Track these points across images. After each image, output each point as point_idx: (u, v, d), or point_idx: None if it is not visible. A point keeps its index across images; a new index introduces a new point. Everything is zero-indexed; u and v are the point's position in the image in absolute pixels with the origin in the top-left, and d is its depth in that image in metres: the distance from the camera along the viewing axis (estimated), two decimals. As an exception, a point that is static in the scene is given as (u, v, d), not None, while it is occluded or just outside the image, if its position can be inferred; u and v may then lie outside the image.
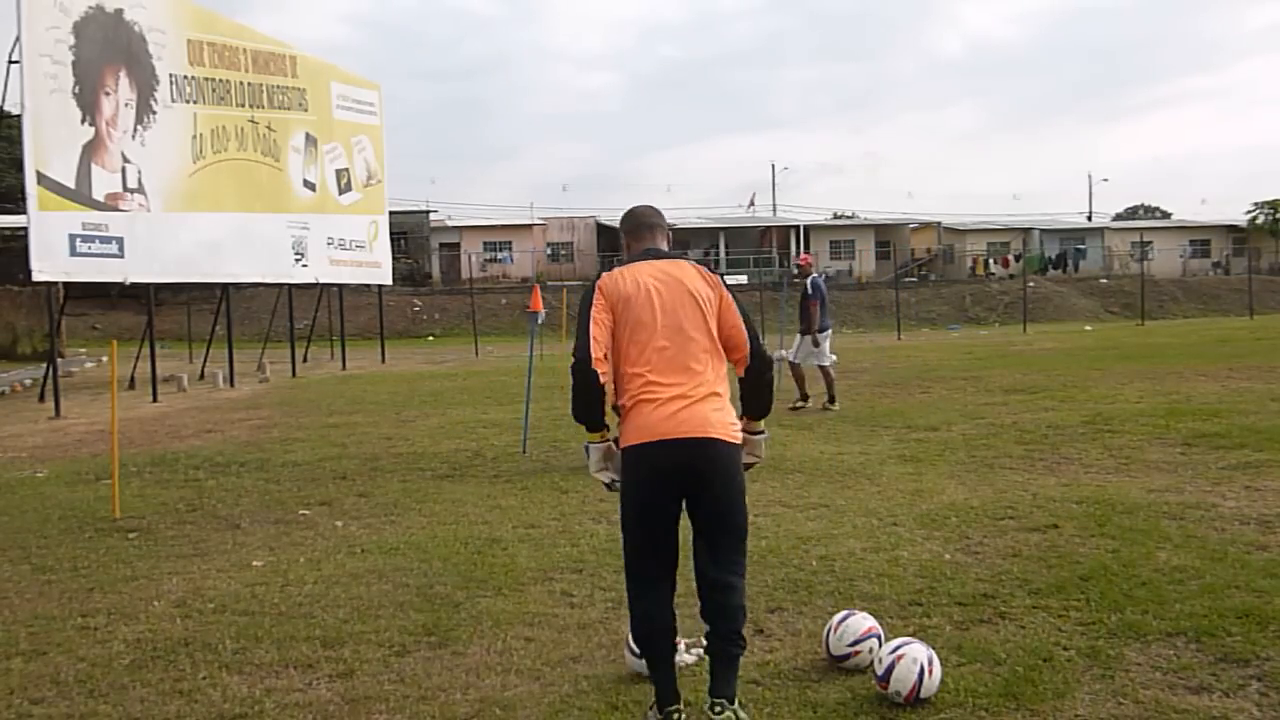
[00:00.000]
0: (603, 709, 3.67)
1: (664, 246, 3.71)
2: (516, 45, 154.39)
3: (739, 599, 3.45)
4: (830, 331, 12.87)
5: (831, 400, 12.38)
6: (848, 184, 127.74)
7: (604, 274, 3.58)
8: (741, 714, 3.40)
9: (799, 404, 12.45)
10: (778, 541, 5.87)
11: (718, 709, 3.36)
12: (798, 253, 53.51)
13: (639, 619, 3.52)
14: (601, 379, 3.39)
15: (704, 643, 3.56)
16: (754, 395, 3.63)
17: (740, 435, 3.50)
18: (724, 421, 3.44)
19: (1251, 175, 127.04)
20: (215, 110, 18.75)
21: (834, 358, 12.80)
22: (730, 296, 3.57)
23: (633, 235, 3.77)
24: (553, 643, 4.37)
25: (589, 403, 3.44)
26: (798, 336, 12.86)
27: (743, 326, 3.55)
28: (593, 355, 3.39)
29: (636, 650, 3.68)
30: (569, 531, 6.36)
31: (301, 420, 13.11)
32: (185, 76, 17.88)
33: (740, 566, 3.47)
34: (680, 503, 3.45)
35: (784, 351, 19.31)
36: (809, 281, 12.72)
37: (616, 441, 3.52)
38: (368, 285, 27.63)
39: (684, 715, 3.43)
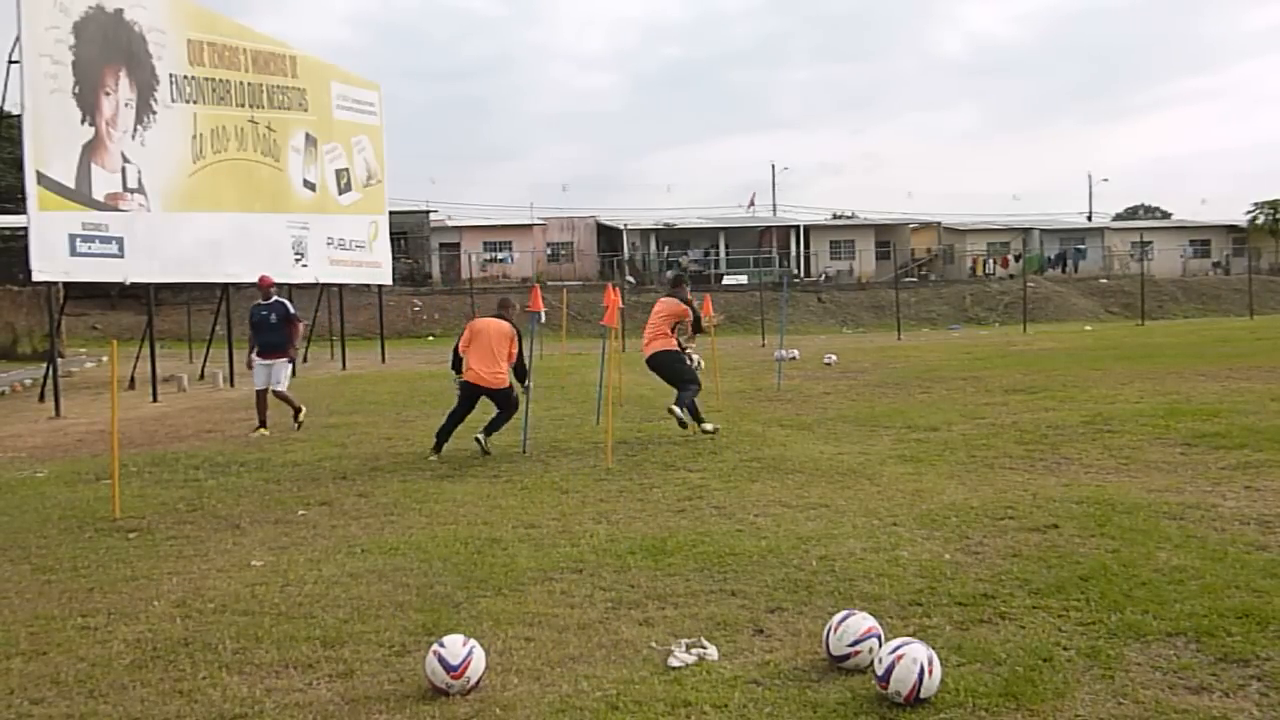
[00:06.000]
0: (603, 709, 3.67)
1: (506, 314, 9.70)
2: (517, 45, 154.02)
3: (504, 418, 9.59)
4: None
5: (296, 417, 11.96)
6: (848, 184, 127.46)
7: (472, 321, 9.79)
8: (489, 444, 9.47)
9: (261, 430, 11.69)
10: (778, 541, 5.87)
11: (479, 438, 9.38)
12: (799, 253, 53.52)
13: (447, 426, 9.55)
14: (460, 354, 9.61)
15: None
16: (515, 373, 9.67)
17: (507, 382, 9.52)
18: (498, 377, 9.42)
19: (1251, 175, 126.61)
20: (215, 110, 18.76)
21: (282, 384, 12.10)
22: (516, 336, 9.54)
23: (500, 306, 9.93)
24: (553, 643, 4.37)
25: (454, 362, 9.75)
26: (285, 361, 12.03)
27: (518, 351, 9.57)
28: (461, 346, 9.63)
29: (438, 435, 9.61)
30: (569, 531, 6.36)
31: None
32: (185, 76, 17.88)
33: (502, 416, 9.58)
34: (476, 399, 9.53)
35: (782, 352, 19.45)
36: (286, 302, 12.22)
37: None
38: (368, 285, 27.66)
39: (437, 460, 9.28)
